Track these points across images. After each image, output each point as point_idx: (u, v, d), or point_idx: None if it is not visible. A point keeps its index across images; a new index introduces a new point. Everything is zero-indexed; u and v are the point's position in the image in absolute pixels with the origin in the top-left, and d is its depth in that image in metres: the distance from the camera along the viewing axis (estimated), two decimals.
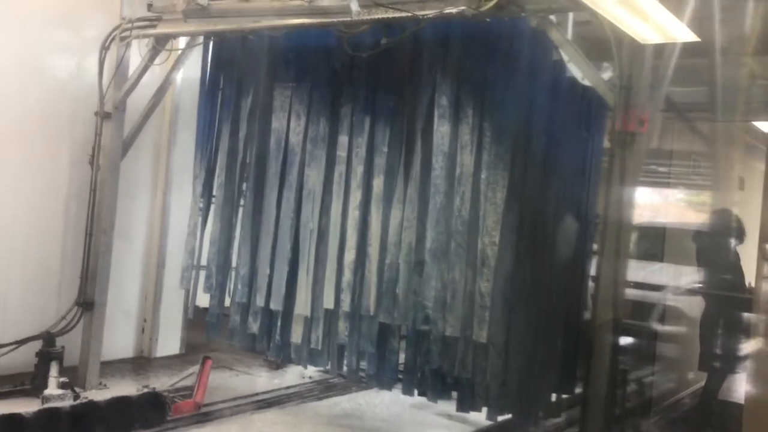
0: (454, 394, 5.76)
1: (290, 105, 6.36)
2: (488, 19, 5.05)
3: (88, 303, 6.62)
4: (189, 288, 6.98)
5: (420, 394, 5.94)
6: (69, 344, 6.51)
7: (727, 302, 6.50)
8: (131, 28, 6.48)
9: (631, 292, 6.08)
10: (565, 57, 5.54)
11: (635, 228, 6.00)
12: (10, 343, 6.31)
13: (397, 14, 5.16)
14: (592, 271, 6.00)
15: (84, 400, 5.87)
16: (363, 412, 6.97)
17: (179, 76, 7.54)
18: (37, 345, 6.35)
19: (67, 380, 6.11)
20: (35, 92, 6.74)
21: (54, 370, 6.14)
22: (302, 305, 6.15)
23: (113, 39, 6.63)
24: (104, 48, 6.65)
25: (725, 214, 7.02)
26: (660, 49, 5.52)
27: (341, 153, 6.08)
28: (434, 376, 5.71)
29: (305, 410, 6.88)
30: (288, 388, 7.43)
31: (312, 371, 7.90)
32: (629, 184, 5.36)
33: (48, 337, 6.38)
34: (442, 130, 5.58)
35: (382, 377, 6.03)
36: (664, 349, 8.12)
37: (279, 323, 6.37)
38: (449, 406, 6.39)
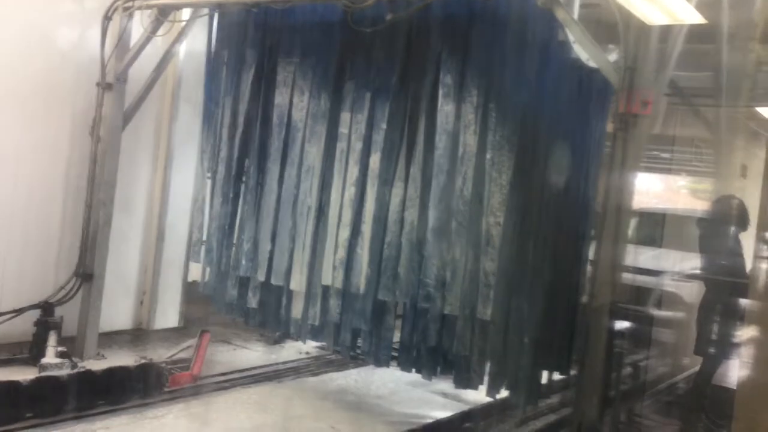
0: (451, 371, 5.79)
1: (293, 80, 6.33)
2: None
3: (87, 274, 6.64)
4: (197, 262, 7.01)
5: (417, 372, 5.97)
6: (68, 315, 6.53)
7: (725, 288, 6.51)
8: None
9: (628, 277, 6.09)
10: (571, 38, 5.48)
11: (635, 213, 5.99)
12: (9, 312, 6.33)
13: None
14: (591, 255, 6.01)
15: (81, 370, 5.91)
16: (359, 388, 7.01)
17: (182, 49, 7.49)
18: (35, 314, 6.37)
19: (65, 350, 6.14)
20: (37, 61, 6.70)
21: (52, 339, 6.17)
22: (297, 281, 6.16)
23: (116, 9, 6.58)
24: (107, 18, 6.60)
25: (729, 200, 7.00)
26: (666, 32, 5.48)
27: (343, 130, 6.06)
28: (431, 354, 5.74)
29: (301, 385, 6.93)
30: (285, 363, 7.48)
31: (309, 347, 7.95)
32: (630, 168, 5.34)
33: (47, 307, 6.40)
34: (446, 109, 5.55)
35: (378, 354, 6.05)
36: (661, 333, 8.16)
37: (279, 298, 6.39)
38: (445, 384, 6.44)
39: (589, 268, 5.95)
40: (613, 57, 5.76)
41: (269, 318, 6.58)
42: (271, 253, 6.35)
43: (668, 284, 8.47)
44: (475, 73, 5.50)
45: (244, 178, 6.74)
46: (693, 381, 7.03)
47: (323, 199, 6.14)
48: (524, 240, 5.53)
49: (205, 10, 6.68)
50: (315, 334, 6.43)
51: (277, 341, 8.12)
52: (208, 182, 6.94)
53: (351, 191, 5.94)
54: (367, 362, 6.83)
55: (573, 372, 5.99)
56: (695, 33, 5.59)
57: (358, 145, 5.93)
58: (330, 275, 5.99)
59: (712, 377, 6.63)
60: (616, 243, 5.35)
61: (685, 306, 8.18)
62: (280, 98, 6.40)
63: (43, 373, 5.69)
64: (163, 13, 6.54)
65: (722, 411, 6.31)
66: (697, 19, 4.84)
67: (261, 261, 6.39)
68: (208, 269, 6.96)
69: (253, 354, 7.74)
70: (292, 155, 6.29)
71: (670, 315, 8.31)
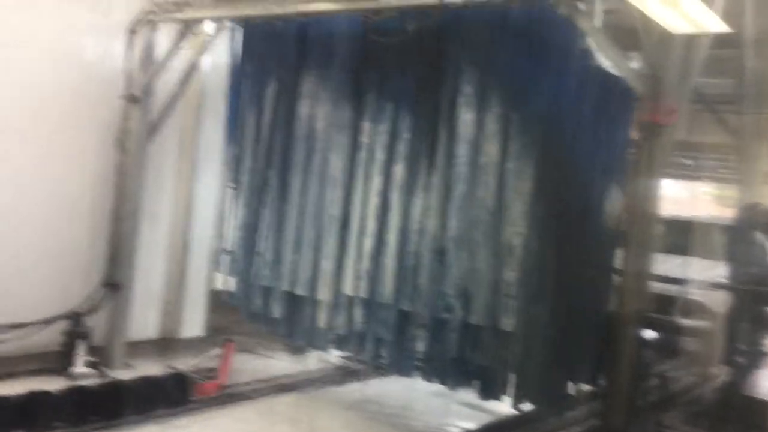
0: (475, 382, 5.77)
1: (315, 91, 6.39)
2: (515, 7, 5.01)
3: (114, 284, 6.73)
4: (220, 271, 7.07)
5: (440, 382, 5.95)
6: (96, 325, 6.61)
7: (754, 297, 6.43)
8: (160, 11, 6.53)
9: (655, 286, 6.03)
10: (593, 46, 5.47)
11: (660, 221, 5.94)
12: (38, 322, 6.43)
13: (423, 1, 5.14)
14: (617, 264, 5.96)
15: (110, 379, 5.98)
16: (382, 398, 7.00)
17: (206, 61, 7.58)
18: (64, 325, 6.46)
19: (94, 360, 6.22)
20: (65, 74, 6.82)
21: (81, 349, 6.26)
22: (325, 291, 6.19)
23: (141, 22, 6.68)
24: (132, 31, 6.71)
25: (757, 207, 6.92)
26: (690, 40, 5.44)
27: (364, 139, 6.09)
28: (455, 364, 5.72)
29: (325, 395, 6.94)
30: (309, 372, 7.49)
31: (333, 357, 7.95)
32: (655, 176, 5.31)
33: (75, 317, 6.49)
34: (466, 118, 5.56)
35: (402, 364, 6.06)
36: (688, 343, 8.05)
37: (303, 308, 6.43)
38: (469, 395, 6.41)
39: (614, 276, 5.91)
40: (636, 64, 5.73)
41: (293, 327, 6.61)
42: (295, 263, 6.39)
43: (695, 293, 8.36)
44: (496, 81, 5.51)
45: (268, 189, 6.80)
46: (722, 391, 6.93)
47: (346, 209, 6.18)
48: (547, 249, 5.50)
49: (229, 24, 6.76)
50: (339, 343, 6.46)
51: (301, 351, 8.15)
52: (231, 192, 7.01)
53: (375, 201, 5.96)
54: (390, 372, 6.84)
55: (600, 382, 5.94)
56: (718, 40, 5.55)
57: (380, 155, 5.96)
58: (355, 285, 6.01)
59: (741, 388, 6.54)
60: (642, 251, 5.32)
61: (712, 315, 8.07)
62: (303, 109, 6.45)
63: (73, 383, 5.77)
64: (187, 27, 6.63)
65: (752, 421, 6.22)
66: (720, 26, 4.80)
67: (284, 271, 6.43)
68: (229, 278, 7.02)
69: (277, 363, 7.77)
70: (315, 166, 6.34)
71: (698, 324, 8.21)
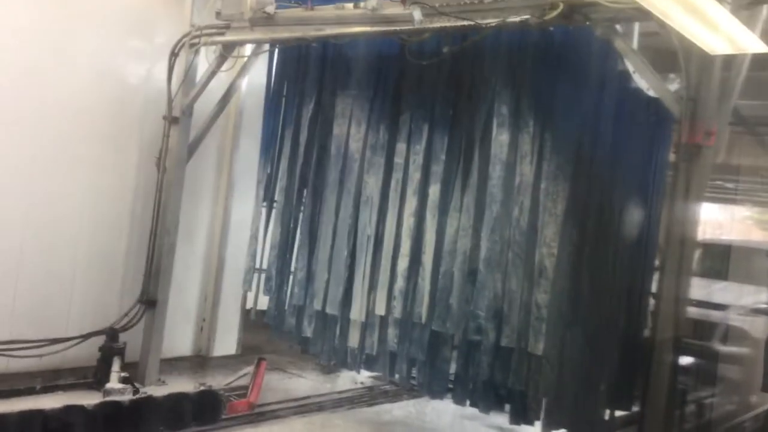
0: (507, 406, 5.70)
1: (351, 112, 6.45)
2: (551, 28, 5.01)
3: (150, 301, 6.81)
4: (250, 290, 7.12)
5: (472, 405, 5.89)
6: (131, 341, 6.70)
7: None
8: (200, 35, 6.68)
9: (692, 311, 5.91)
10: (630, 67, 5.44)
11: (699, 245, 5.83)
12: (75, 337, 6.55)
13: (459, 23, 5.17)
14: (653, 288, 5.86)
15: (143, 395, 6.03)
16: (413, 420, 6.95)
17: (244, 83, 7.71)
18: (100, 340, 6.56)
19: (128, 375, 6.29)
20: (108, 95, 7.01)
21: (116, 365, 6.33)
22: (357, 311, 6.20)
23: (183, 46, 6.83)
24: (174, 54, 6.85)
25: None
26: (729, 61, 5.37)
27: (399, 160, 6.12)
28: (486, 387, 5.67)
29: (356, 415, 6.91)
30: (340, 392, 7.48)
31: (364, 377, 7.93)
32: (694, 199, 5.21)
33: (111, 333, 6.58)
34: (500, 139, 5.56)
35: (434, 386, 6.01)
36: (727, 370, 7.86)
37: (334, 327, 6.44)
38: (501, 419, 6.32)
39: (651, 301, 5.80)
40: (673, 86, 5.67)
41: (325, 347, 6.62)
42: (327, 282, 6.41)
43: (734, 318, 8.17)
44: (531, 103, 5.51)
45: (302, 208, 6.86)
46: (762, 420, 6.73)
47: (380, 229, 6.19)
48: (580, 272, 5.44)
49: (267, 46, 6.88)
50: (370, 363, 6.44)
51: (332, 370, 8.14)
52: (263, 211, 7.08)
53: (410, 222, 5.97)
54: (421, 393, 6.79)
55: (635, 409, 5.82)
56: (758, 61, 5.46)
57: (416, 176, 5.98)
58: (388, 305, 6.00)
59: None
60: (680, 275, 5.21)
61: (752, 341, 7.88)
62: (338, 129, 6.52)
63: (107, 398, 5.84)
64: (227, 50, 6.75)
65: None
66: (761, 48, 4.72)
67: (317, 290, 6.46)
68: (260, 297, 7.07)
69: (308, 383, 7.77)
70: (350, 185, 6.38)
71: (737, 351, 8.01)
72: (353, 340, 6.28)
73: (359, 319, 6.20)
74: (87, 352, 6.55)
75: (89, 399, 5.72)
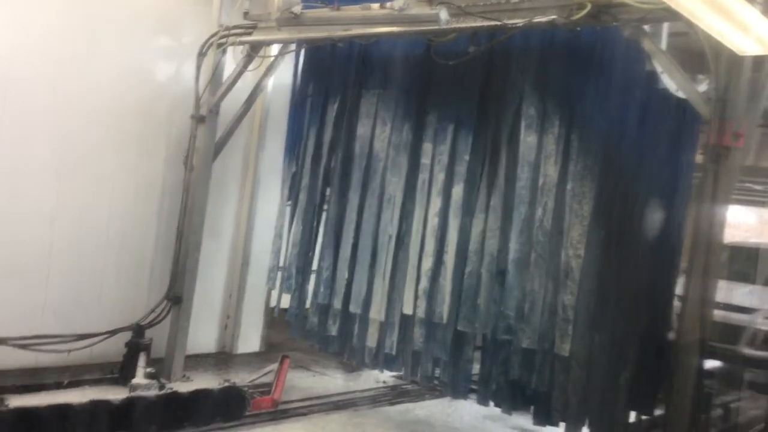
0: (531, 407, 5.68)
1: (376, 112, 6.47)
2: (579, 29, 4.99)
3: (176, 298, 6.89)
4: (274, 288, 7.17)
5: (495, 405, 5.88)
6: (157, 337, 6.78)
7: None
8: (228, 35, 6.73)
9: (719, 314, 5.85)
10: (658, 68, 5.39)
11: (726, 247, 5.76)
12: (103, 333, 6.65)
13: (486, 23, 5.16)
14: (679, 290, 5.80)
15: (168, 391, 6.10)
16: (435, 420, 6.95)
17: (270, 83, 7.76)
18: (127, 336, 6.64)
19: (154, 371, 6.36)
20: (136, 94, 7.12)
21: (142, 360, 6.40)
22: (377, 310, 6.22)
23: (210, 45, 6.89)
24: (202, 54, 6.92)
25: None
26: (759, 61, 5.30)
27: (424, 160, 6.13)
28: (511, 388, 5.66)
29: (378, 414, 6.93)
30: (362, 391, 7.52)
31: (386, 376, 7.95)
32: (721, 201, 5.15)
33: (138, 329, 6.65)
34: (528, 140, 5.54)
35: (457, 386, 6.02)
36: (754, 374, 7.76)
37: (357, 326, 6.46)
38: (524, 420, 6.30)
39: (677, 303, 5.74)
40: (702, 87, 5.61)
41: (347, 346, 6.65)
42: (350, 281, 6.44)
43: (762, 322, 8.06)
44: (558, 104, 5.48)
45: (325, 207, 6.89)
46: None
47: (403, 228, 6.21)
48: (606, 273, 5.41)
49: (293, 46, 6.92)
50: (392, 363, 6.45)
51: (355, 369, 8.17)
52: (288, 210, 7.13)
53: (434, 222, 5.98)
54: (444, 393, 6.78)
55: (659, 412, 5.77)
56: None
57: (440, 176, 5.99)
58: (412, 304, 6.02)
59: None
60: (707, 278, 5.15)
61: None
62: (363, 129, 6.54)
63: (133, 393, 5.91)
64: (254, 49, 6.81)
65: None
66: None
67: (339, 289, 6.50)
68: (283, 295, 7.12)
69: (331, 381, 7.81)
70: (374, 185, 6.40)
71: (765, 354, 7.90)
72: (372, 339, 6.30)
73: (378, 318, 6.22)
74: (114, 348, 6.63)
75: (115, 394, 5.81)
